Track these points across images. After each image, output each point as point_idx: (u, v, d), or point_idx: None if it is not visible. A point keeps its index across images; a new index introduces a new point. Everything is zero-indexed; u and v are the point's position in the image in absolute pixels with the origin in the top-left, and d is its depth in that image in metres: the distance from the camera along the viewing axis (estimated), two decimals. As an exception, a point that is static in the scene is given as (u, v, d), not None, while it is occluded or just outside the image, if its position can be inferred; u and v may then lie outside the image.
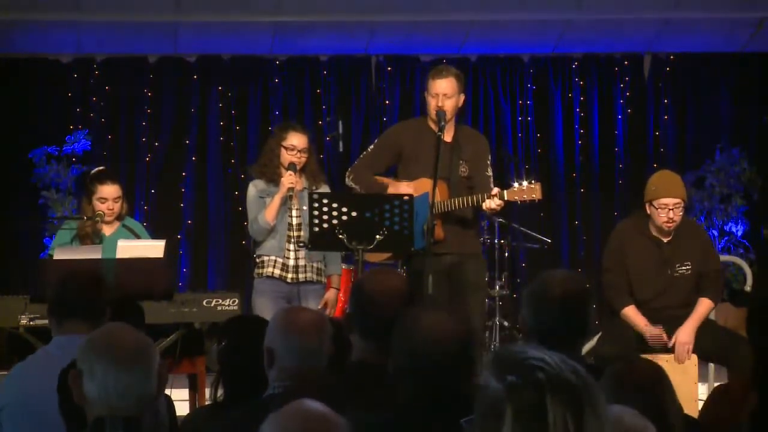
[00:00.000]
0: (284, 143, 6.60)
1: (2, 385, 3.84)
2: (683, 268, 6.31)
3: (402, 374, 2.91)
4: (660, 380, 2.91)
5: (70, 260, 5.52)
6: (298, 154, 6.56)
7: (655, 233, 6.31)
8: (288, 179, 6.49)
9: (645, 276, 6.31)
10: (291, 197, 6.53)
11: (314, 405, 2.13)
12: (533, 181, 6.23)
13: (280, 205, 6.52)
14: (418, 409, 2.85)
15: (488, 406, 1.72)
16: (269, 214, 6.50)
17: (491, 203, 6.08)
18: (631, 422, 2.34)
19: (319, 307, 6.55)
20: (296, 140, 6.60)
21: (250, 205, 6.63)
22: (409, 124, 6.75)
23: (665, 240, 6.31)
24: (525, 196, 6.17)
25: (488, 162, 6.50)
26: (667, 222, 6.21)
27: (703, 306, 6.27)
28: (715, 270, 6.43)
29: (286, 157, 6.57)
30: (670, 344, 6.22)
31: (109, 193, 6.59)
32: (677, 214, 6.22)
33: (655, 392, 2.84)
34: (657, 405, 2.78)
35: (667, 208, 6.19)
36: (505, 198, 6.11)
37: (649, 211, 6.28)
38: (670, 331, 6.25)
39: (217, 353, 3.76)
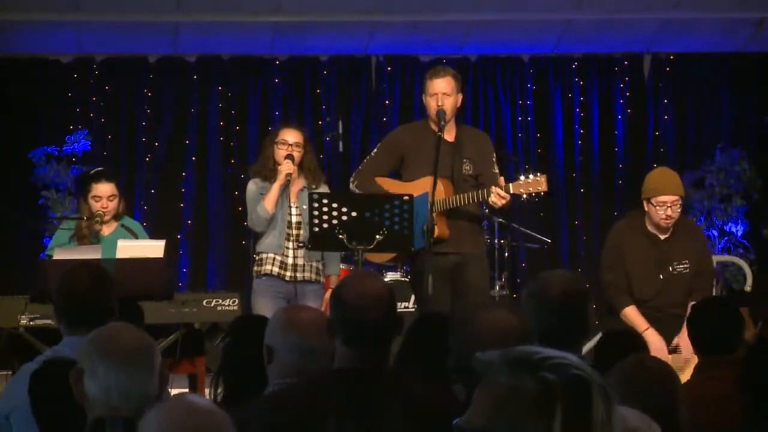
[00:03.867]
0: (276, 140, 6.64)
1: (12, 387, 3.81)
2: (681, 266, 6.33)
3: (463, 372, 2.90)
4: (671, 378, 2.90)
5: (71, 260, 5.50)
6: (290, 148, 6.59)
7: (652, 230, 6.33)
8: (286, 166, 6.51)
9: (644, 274, 6.32)
10: (290, 183, 6.54)
11: (199, 399, 2.10)
12: (539, 174, 6.19)
13: (278, 194, 6.53)
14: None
15: (527, 406, 1.72)
16: (268, 202, 6.52)
17: (495, 197, 6.07)
18: (635, 423, 2.34)
19: (323, 308, 6.56)
20: (287, 135, 6.63)
21: (250, 201, 6.66)
22: (411, 127, 6.77)
23: (663, 237, 6.33)
24: (531, 189, 6.12)
25: (493, 159, 6.49)
26: (666, 219, 6.23)
27: None
28: (711, 271, 6.48)
29: (280, 153, 6.59)
30: (673, 345, 6.23)
31: (103, 191, 6.60)
32: (675, 212, 6.24)
33: (666, 390, 2.83)
34: (667, 403, 2.78)
35: (665, 206, 6.21)
36: (511, 191, 6.08)
37: (647, 208, 6.30)
38: (669, 332, 6.25)
39: (221, 350, 3.76)
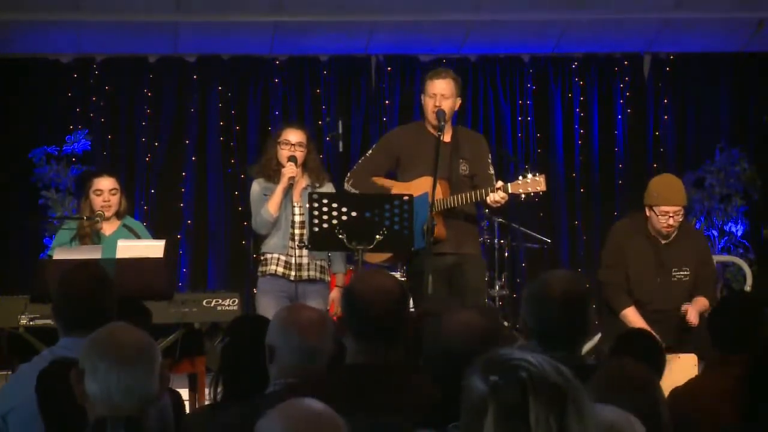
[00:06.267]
0: (279, 140, 6.64)
1: (9, 388, 3.81)
2: (681, 273, 6.31)
3: (435, 375, 2.91)
4: (651, 380, 2.90)
5: (70, 260, 5.49)
6: (293, 148, 6.59)
7: (653, 233, 6.32)
8: (289, 170, 6.51)
9: (643, 278, 6.31)
10: (292, 186, 6.54)
11: (315, 404, 2.12)
12: (537, 174, 6.19)
13: (282, 197, 6.54)
14: (453, 407, 2.85)
15: (472, 407, 1.72)
16: (272, 205, 6.52)
17: (495, 196, 6.07)
18: (613, 418, 2.31)
19: (327, 307, 6.57)
20: (290, 135, 6.63)
21: (254, 203, 6.66)
22: (407, 128, 6.78)
23: (664, 242, 6.31)
24: (530, 189, 6.13)
25: (489, 160, 6.51)
26: (667, 228, 6.22)
27: (702, 300, 6.30)
28: (712, 278, 6.51)
29: (283, 153, 6.59)
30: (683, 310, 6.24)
31: (104, 185, 6.60)
32: (677, 221, 6.24)
33: (647, 392, 2.84)
34: (650, 405, 2.78)
35: (667, 215, 6.20)
36: (509, 191, 6.09)
37: (648, 214, 6.28)
38: (668, 333, 6.24)
39: (221, 351, 3.76)
